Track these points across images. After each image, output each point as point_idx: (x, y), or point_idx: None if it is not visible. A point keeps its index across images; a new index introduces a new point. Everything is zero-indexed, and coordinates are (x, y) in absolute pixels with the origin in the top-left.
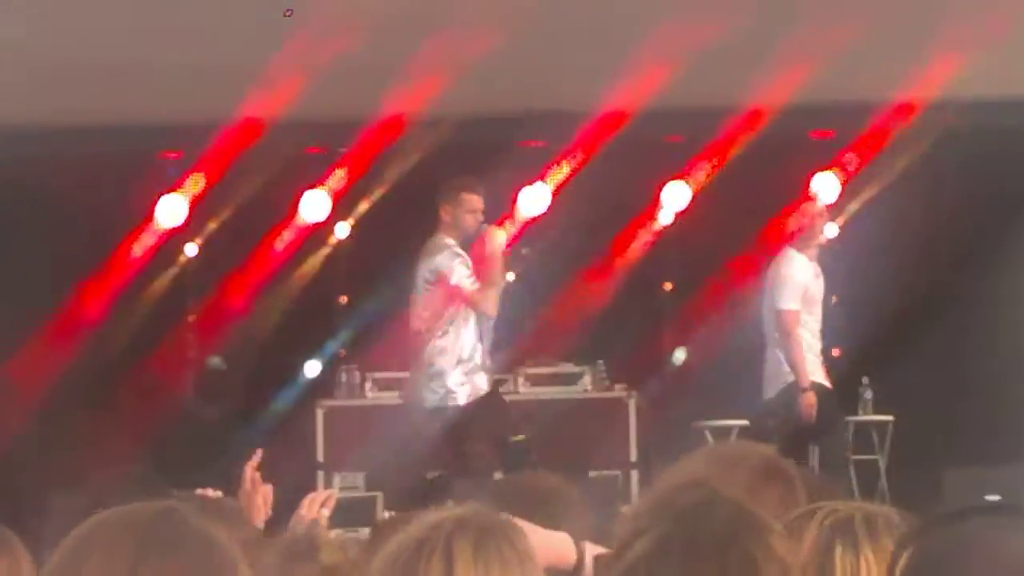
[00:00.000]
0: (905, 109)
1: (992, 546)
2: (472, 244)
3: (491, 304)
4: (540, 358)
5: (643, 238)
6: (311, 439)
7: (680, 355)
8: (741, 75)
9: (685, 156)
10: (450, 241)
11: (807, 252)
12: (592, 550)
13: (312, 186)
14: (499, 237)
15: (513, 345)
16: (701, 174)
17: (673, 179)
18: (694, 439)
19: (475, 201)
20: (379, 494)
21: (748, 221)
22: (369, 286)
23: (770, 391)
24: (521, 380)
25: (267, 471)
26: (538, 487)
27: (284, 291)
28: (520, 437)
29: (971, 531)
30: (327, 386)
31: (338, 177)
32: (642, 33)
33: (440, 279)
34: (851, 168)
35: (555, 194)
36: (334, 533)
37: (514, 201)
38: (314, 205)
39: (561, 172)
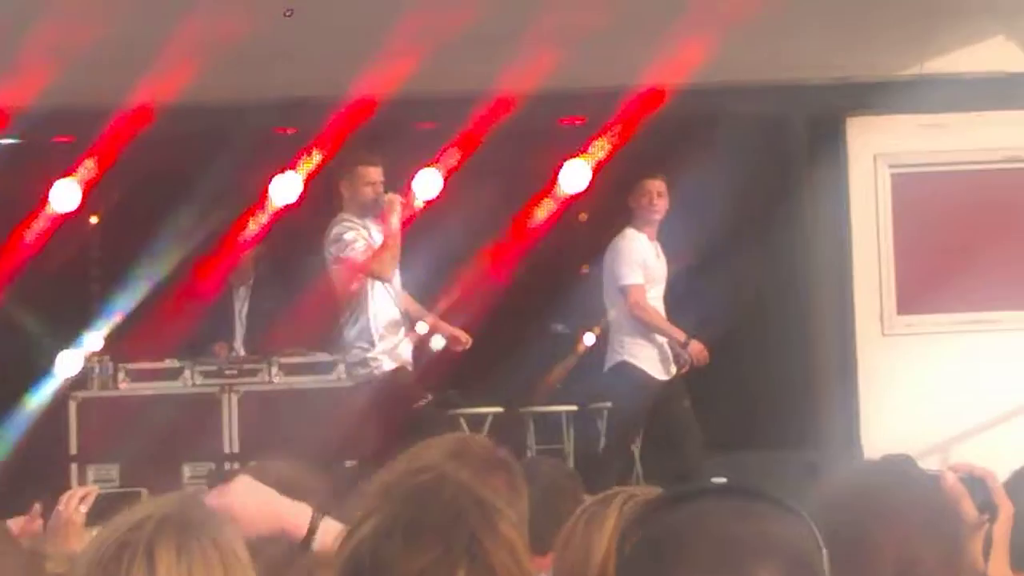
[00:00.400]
0: (654, 95)
1: (711, 527)
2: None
3: (383, 267)
4: (295, 347)
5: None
6: (64, 431)
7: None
8: (489, 62)
9: (437, 143)
10: (348, 216)
11: (646, 231)
12: (329, 525)
13: (62, 175)
14: (394, 202)
15: (267, 334)
16: (452, 161)
17: (427, 166)
18: (449, 427)
19: (372, 173)
20: (143, 490)
21: (498, 209)
22: (122, 277)
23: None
24: (275, 369)
25: (22, 464)
26: (282, 476)
27: (36, 282)
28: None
29: (693, 513)
30: (82, 378)
31: (88, 167)
32: (391, 20)
33: (338, 254)
34: (602, 155)
35: (307, 182)
36: (95, 530)
37: (267, 189)
38: (64, 195)
39: (314, 160)
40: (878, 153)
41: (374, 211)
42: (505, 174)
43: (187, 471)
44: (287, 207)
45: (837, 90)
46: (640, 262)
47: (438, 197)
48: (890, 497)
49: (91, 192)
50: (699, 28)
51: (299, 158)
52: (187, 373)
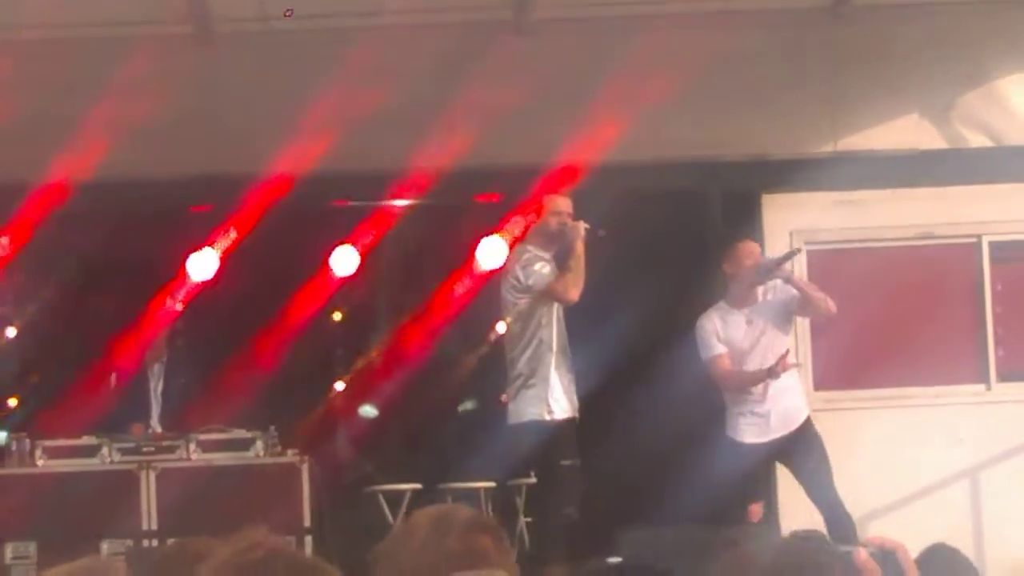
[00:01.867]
0: (569, 172)
1: None
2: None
3: (571, 288)
4: (211, 424)
5: (313, 302)
6: None
7: (370, 409)
8: (405, 139)
9: (353, 220)
10: (531, 247)
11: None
12: None
13: None
14: (579, 228)
15: (184, 411)
16: (368, 238)
17: (342, 243)
18: (367, 504)
19: (561, 203)
20: None
21: (412, 286)
22: (39, 352)
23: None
24: (192, 446)
25: None
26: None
27: None
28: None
29: None
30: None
31: (2, 244)
32: (307, 99)
33: (526, 281)
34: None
35: (223, 259)
36: None
37: (183, 266)
38: None
39: (230, 237)
40: (794, 230)
41: (559, 240)
42: (422, 251)
43: (106, 548)
44: (204, 283)
45: (753, 167)
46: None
47: (354, 275)
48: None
49: (4, 270)
50: (616, 105)
51: (215, 235)
52: (104, 450)
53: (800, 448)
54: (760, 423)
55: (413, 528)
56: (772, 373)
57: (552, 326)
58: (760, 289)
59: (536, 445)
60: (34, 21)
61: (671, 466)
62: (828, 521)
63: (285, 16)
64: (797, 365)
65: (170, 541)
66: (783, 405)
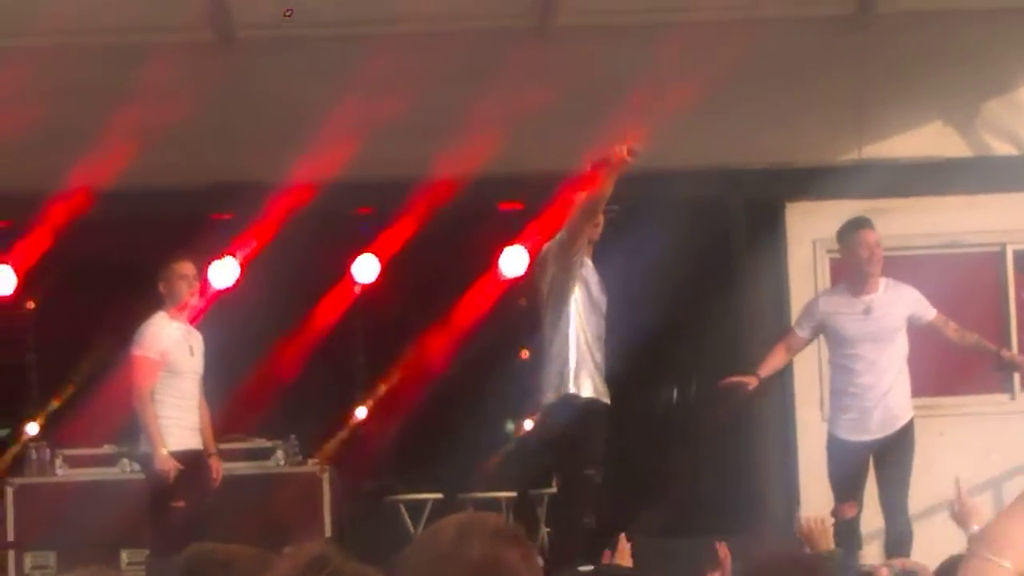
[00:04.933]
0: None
1: None
2: None
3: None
4: (232, 433)
5: (335, 311)
6: (1, 518)
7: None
8: (428, 147)
9: (375, 228)
10: None
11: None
12: None
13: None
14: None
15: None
16: (389, 246)
17: (363, 251)
18: (389, 513)
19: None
20: None
21: (438, 293)
22: (60, 360)
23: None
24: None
25: None
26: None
27: None
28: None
29: None
30: (19, 464)
31: (24, 251)
32: (328, 107)
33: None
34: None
35: (244, 267)
36: None
37: (204, 274)
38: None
39: (250, 245)
40: (817, 238)
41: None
42: (445, 259)
43: (125, 557)
44: (225, 291)
45: (776, 175)
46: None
47: (376, 282)
48: None
49: (27, 277)
50: (639, 113)
51: (236, 243)
52: (124, 459)
53: (895, 452)
54: (860, 421)
55: (437, 536)
56: None
57: (581, 315)
58: (882, 281)
59: (566, 423)
60: (54, 28)
61: (685, 471)
62: (889, 528)
63: (285, 16)
64: None
65: (190, 550)
66: (885, 405)
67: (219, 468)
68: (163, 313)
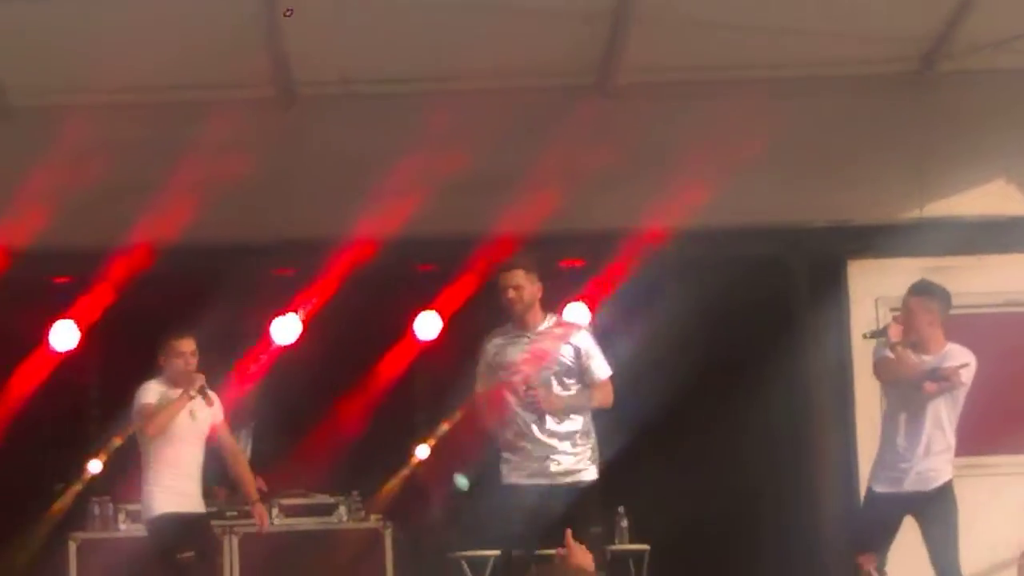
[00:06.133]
0: (652, 237)
1: None
2: None
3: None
4: (294, 489)
5: (396, 367)
6: (63, 573)
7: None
8: (489, 203)
9: (436, 284)
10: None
11: None
12: None
13: (61, 316)
14: None
15: (267, 475)
16: (452, 302)
17: (425, 308)
18: (451, 570)
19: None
20: None
21: None
22: (121, 416)
23: None
24: (275, 511)
25: None
26: None
27: (35, 422)
28: None
29: None
30: (79, 519)
31: (87, 306)
32: (390, 163)
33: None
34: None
35: (306, 323)
36: None
37: (267, 330)
38: (63, 334)
39: (312, 301)
40: (879, 296)
41: None
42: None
43: None
44: (287, 347)
45: (838, 233)
46: None
47: (437, 339)
48: None
49: (90, 331)
50: (700, 170)
51: (299, 299)
52: None
53: (934, 511)
54: (896, 477)
55: None
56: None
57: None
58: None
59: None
60: (117, 84)
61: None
62: None
63: (285, 16)
64: None
65: None
66: (925, 465)
67: (263, 515)
68: (154, 382)
